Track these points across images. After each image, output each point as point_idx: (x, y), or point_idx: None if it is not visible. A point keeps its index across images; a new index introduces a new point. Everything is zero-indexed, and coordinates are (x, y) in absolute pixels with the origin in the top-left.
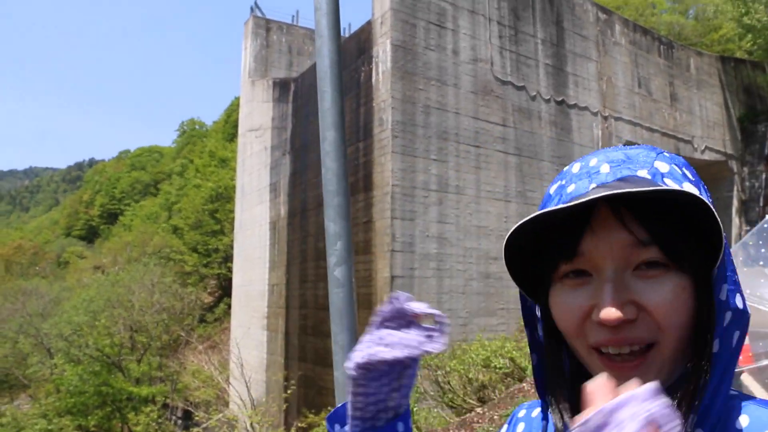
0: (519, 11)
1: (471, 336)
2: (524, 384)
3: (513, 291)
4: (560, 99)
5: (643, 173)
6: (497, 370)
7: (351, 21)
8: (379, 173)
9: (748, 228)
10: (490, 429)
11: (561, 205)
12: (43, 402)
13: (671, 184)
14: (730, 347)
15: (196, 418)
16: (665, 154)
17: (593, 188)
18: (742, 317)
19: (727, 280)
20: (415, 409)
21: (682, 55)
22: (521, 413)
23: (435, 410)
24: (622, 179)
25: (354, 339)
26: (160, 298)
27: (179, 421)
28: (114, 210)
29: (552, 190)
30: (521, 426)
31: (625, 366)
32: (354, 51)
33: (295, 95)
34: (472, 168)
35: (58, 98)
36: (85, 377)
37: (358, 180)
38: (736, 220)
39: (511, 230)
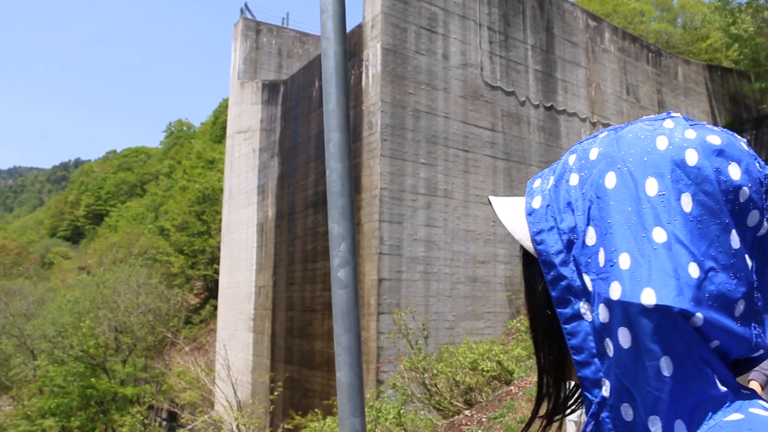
0: (509, 17)
1: (458, 339)
2: (511, 387)
3: (499, 295)
4: (549, 105)
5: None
6: (484, 373)
7: None
8: (367, 176)
9: None
10: (478, 431)
11: None
12: (26, 403)
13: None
14: None
15: (182, 419)
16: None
17: None
18: None
19: None
20: (401, 411)
21: (670, 63)
22: None
23: (422, 412)
24: None
25: (357, 341)
26: (145, 300)
27: (164, 423)
28: (100, 211)
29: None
30: None
31: None
32: None
33: (284, 98)
34: (461, 172)
35: (44, 97)
36: (69, 378)
37: None
38: None
39: None
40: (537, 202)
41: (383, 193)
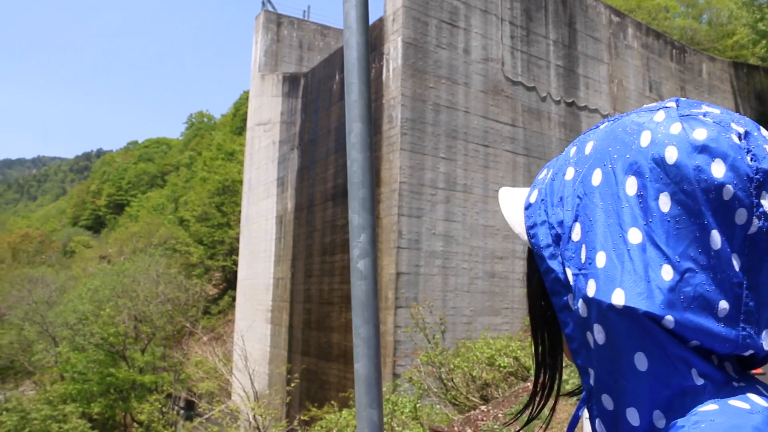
0: (532, 12)
1: (475, 334)
2: (528, 383)
3: (518, 291)
4: (570, 100)
5: None
6: (501, 369)
7: None
8: (387, 170)
9: None
10: (495, 427)
11: None
12: (47, 388)
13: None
14: None
15: (199, 408)
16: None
17: None
18: None
19: None
20: (418, 405)
21: (695, 60)
22: None
23: (438, 407)
24: None
25: (375, 332)
26: (164, 289)
27: (182, 411)
28: (121, 200)
29: None
30: None
31: None
32: None
33: (304, 90)
34: (481, 167)
35: (67, 88)
36: (90, 365)
37: None
38: None
39: None
40: (534, 196)
41: (402, 187)
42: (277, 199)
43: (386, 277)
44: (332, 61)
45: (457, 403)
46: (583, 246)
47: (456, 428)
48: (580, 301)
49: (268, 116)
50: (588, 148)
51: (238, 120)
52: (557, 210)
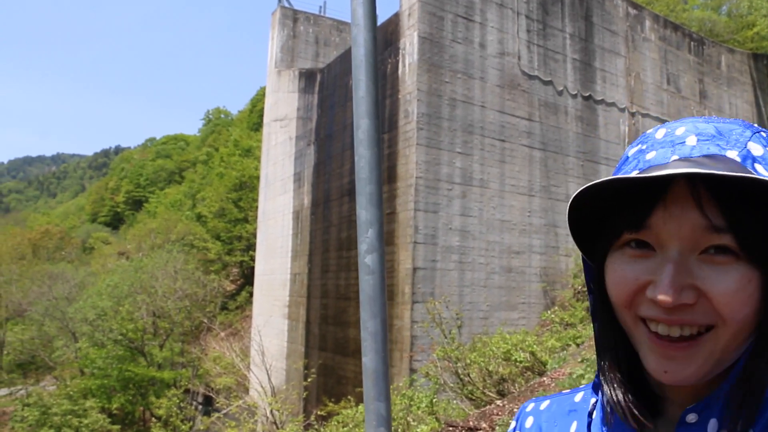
0: (548, 5)
1: (491, 329)
2: (544, 378)
3: (534, 286)
4: (587, 94)
5: (732, 154)
6: (517, 364)
7: (378, 12)
8: (403, 165)
9: None
10: (510, 422)
11: (637, 174)
12: (68, 383)
13: (762, 172)
14: None
15: (217, 404)
16: (762, 134)
17: (674, 161)
18: None
19: None
20: (434, 400)
21: (713, 52)
22: (529, 407)
23: (454, 402)
24: (708, 156)
25: (383, 326)
26: (182, 285)
27: (200, 407)
28: (139, 197)
29: (631, 152)
30: (530, 420)
31: (672, 347)
32: (380, 43)
33: (321, 86)
34: (497, 162)
35: (86, 85)
36: (109, 360)
37: (382, 171)
38: None
39: (579, 190)
40: None
41: (419, 182)
42: (294, 195)
43: (403, 272)
44: (348, 57)
45: (473, 398)
46: None
47: (471, 423)
48: None
49: (284, 112)
50: None
51: (255, 116)
52: None
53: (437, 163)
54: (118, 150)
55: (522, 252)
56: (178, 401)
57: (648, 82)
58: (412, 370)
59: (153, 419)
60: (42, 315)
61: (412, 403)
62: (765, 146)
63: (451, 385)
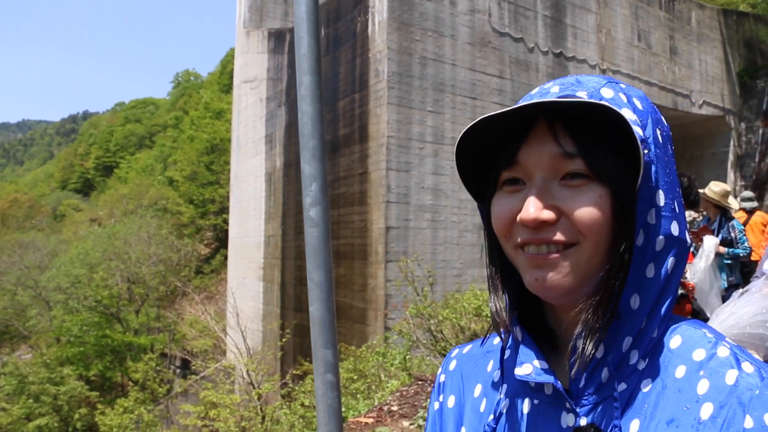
0: None
1: (465, 287)
2: None
3: None
4: (558, 51)
5: (582, 94)
6: (489, 319)
7: None
8: (374, 124)
9: (743, 183)
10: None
11: (497, 112)
12: (44, 352)
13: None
14: (666, 272)
15: (194, 366)
16: (621, 84)
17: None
18: (678, 245)
19: (655, 205)
20: (407, 356)
21: (684, 8)
22: (454, 353)
23: (428, 358)
24: (562, 97)
25: (328, 277)
26: (156, 250)
27: (177, 370)
28: (109, 163)
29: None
30: (453, 364)
31: (540, 257)
32: (350, 1)
33: (290, 46)
34: (468, 120)
35: (50, 49)
36: (85, 328)
37: (354, 131)
38: (731, 175)
39: (461, 133)
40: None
41: (390, 141)
42: (266, 157)
43: (376, 232)
44: None
45: (445, 353)
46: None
47: None
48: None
49: (254, 73)
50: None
51: (225, 78)
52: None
53: (408, 122)
54: (86, 115)
55: None
56: (155, 365)
57: (619, 39)
58: (387, 329)
59: (131, 383)
60: (14, 284)
61: (385, 360)
62: (616, 92)
63: (425, 342)
